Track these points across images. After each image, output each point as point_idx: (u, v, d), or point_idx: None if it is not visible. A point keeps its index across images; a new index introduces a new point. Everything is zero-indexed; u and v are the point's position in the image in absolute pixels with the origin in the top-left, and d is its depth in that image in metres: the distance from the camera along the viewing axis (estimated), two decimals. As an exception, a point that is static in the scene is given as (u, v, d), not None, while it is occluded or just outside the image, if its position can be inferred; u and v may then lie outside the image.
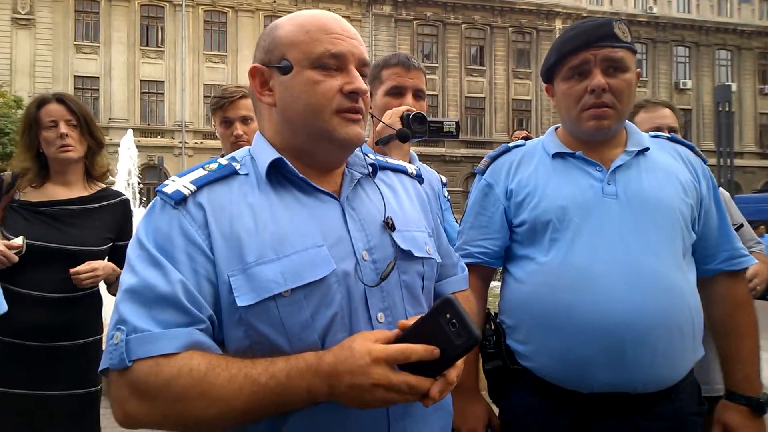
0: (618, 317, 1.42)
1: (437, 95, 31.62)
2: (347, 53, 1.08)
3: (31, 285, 2.21)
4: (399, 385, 0.90)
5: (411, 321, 0.96)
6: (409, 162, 1.91)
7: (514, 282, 1.64)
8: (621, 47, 1.55)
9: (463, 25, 32.37)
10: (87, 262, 2.25)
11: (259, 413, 0.93)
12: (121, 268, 1.05)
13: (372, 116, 1.94)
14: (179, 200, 1.03)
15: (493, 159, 1.77)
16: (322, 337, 1.02)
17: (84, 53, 28.33)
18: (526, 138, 4.56)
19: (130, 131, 12.56)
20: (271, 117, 1.14)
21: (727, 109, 15.03)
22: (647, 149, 1.62)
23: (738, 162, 23.50)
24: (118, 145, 13.57)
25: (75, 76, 28.17)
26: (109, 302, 1.76)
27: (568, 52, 1.58)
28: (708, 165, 1.71)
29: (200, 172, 1.09)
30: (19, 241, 2.17)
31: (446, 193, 2.19)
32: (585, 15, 32.54)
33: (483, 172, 1.77)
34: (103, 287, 2.41)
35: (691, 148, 1.71)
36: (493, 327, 1.67)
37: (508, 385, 1.62)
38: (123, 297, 0.98)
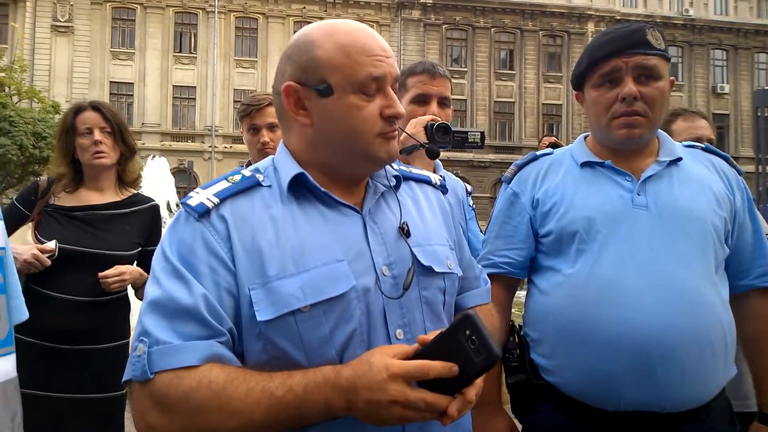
0: (646, 332, 1.38)
1: (466, 100, 31.48)
2: (387, 75, 1.07)
3: (62, 288, 2.25)
4: (416, 403, 0.89)
5: (430, 336, 0.95)
6: (434, 170, 1.90)
7: (538, 293, 1.61)
8: (654, 54, 1.51)
9: (492, 29, 32.16)
10: (115, 267, 2.29)
11: (276, 426, 0.93)
12: (149, 273, 1.07)
13: (402, 129, 1.93)
14: (203, 213, 1.04)
15: (520, 167, 1.74)
16: (341, 352, 1.01)
17: (120, 59, 28.97)
18: (554, 144, 4.50)
19: (162, 159, 12.50)
20: (302, 134, 1.12)
21: (766, 114, 14.66)
22: (680, 159, 1.58)
23: (777, 168, 22.85)
24: (150, 150, 13.75)
25: (111, 81, 28.79)
26: (136, 306, 1.78)
27: (600, 58, 1.54)
28: (746, 173, 1.65)
29: (224, 184, 1.09)
30: (51, 245, 2.21)
31: (471, 202, 2.16)
32: (618, 18, 32.10)
33: (509, 181, 1.74)
34: (131, 291, 2.45)
35: (726, 159, 1.66)
36: (516, 340, 1.64)
37: (532, 400, 1.59)
38: (147, 309, 0.99)
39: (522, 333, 1.65)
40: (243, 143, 2.62)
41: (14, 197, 2.47)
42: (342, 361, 0.99)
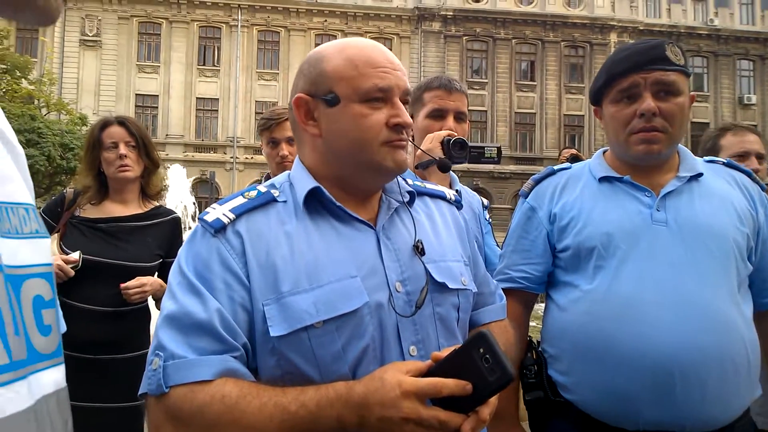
0: (665, 350, 1.36)
1: (486, 111, 31.40)
2: (393, 86, 1.09)
3: (84, 298, 2.29)
4: (429, 420, 0.89)
5: (444, 353, 0.95)
6: (450, 184, 1.91)
7: (556, 309, 1.59)
8: (673, 70, 1.50)
9: (513, 40, 32.10)
10: (136, 278, 2.33)
11: None
12: None
13: (413, 142, 1.94)
14: (219, 228, 1.05)
15: (538, 182, 1.73)
16: (354, 368, 1.01)
17: (145, 73, 29.50)
18: (575, 156, 4.46)
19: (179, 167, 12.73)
20: (314, 146, 1.14)
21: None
22: (701, 175, 1.56)
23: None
24: (174, 160, 13.96)
25: (136, 94, 29.33)
26: (157, 317, 1.81)
27: (618, 74, 1.54)
28: None
29: (240, 200, 1.10)
30: (75, 255, 2.26)
31: (488, 216, 2.16)
32: (642, 28, 31.86)
33: (526, 195, 1.73)
34: (151, 302, 2.48)
35: (748, 174, 1.63)
36: (534, 356, 1.63)
37: (550, 417, 1.57)
38: (163, 323, 1.01)
39: (540, 349, 1.64)
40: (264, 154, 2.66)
41: (41, 208, 2.53)
42: (355, 377, 0.99)
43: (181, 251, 1.09)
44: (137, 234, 2.45)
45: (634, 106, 1.51)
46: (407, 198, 1.19)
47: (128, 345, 2.37)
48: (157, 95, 29.40)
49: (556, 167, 1.75)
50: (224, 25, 30.15)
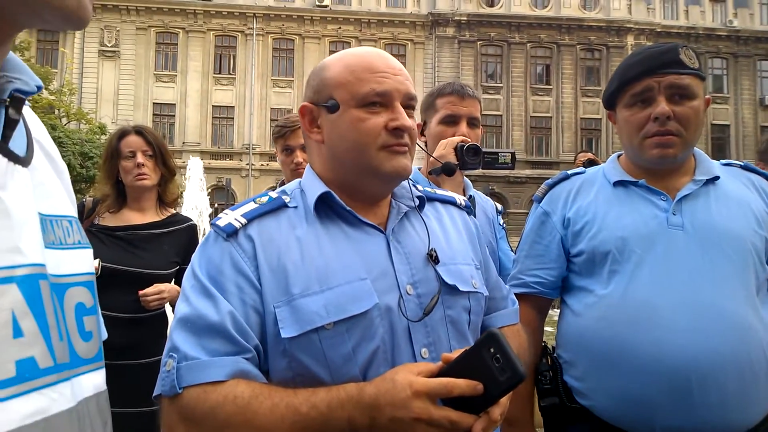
0: (682, 355, 1.35)
1: (501, 115, 31.29)
2: (392, 90, 1.10)
3: (103, 305, 2.30)
4: (440, 421, 0.89)
5: (455, 354, 0.95)
6: (463, 190, 1.91)
7: (571, 315, 1.58)
8: (687, 74, 1.49)
9: (528, 44, 31.98)
10: (155, 285, 2.36)
11: None
12: None
13: (425, 149, 1.94)
14: (231, 233, 1.07)
15: (551, 186, 1.73)
16: (364, 370, 1.02)
17: (163, 82, 29.83)
18: (591, 161, 4.43)
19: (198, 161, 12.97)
20: (320, 152, 1.17)
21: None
22: (717, 178, 1.55)
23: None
24: (190, 169, 14.12)
25: (154, 103, 29.65)
26: (172, 322, 1.85)
27: (631, 78, 1.53)
28: None
29: (251, 206, 1.12)
30: (95, 263, 2.29)
31: (501, 221, 2.16)
32: (659, 30, 31.57)
33: (540, 200, 1.73)
34: (169, 309, 2.51)
35: (766, 177, 1.62)
36: (549, 362, 1.62)
37: (566, 423, 1.56)
38: (176, 325, 1.03)
39: (555, 355, 1.63)
40: (279, 161, 2.68)
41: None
42: (366, 379, 1.00)
43: (194, 256, 1.11)
44: (154, 242, 2.48)
45: (648, 110, 1.50)
46: (417, 203, 1.19)
47: (146, 350, 2.39)
48: (175, 104, 29.69)
49: (570, 172, 1.74)
50: (239, 34, 30.40)
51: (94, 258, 2.30)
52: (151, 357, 2.40)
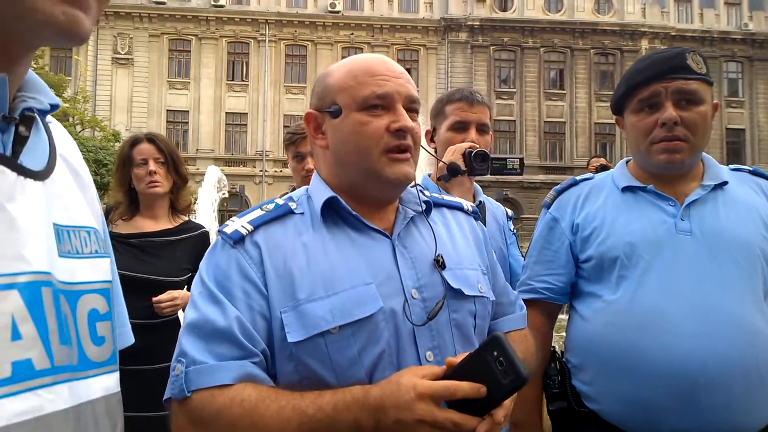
0: (689, 360, 1.35)
1: (515, 121, 31.20)
2: (393, 93, 1.11)
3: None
4: (443, 423, 0.90)
5: (459, 358, 0.96)
6: (473, 195, 1.92)
7: (579, 320, 1.59)
8: (695, 79, 1.50)
9: (541, 49, 31.87)
10: (168, 292, 2.39)
11: None
12: None
13: (435, 154, 1.95)
14: (237, 239, 1.09)
15: (560, 192, 1.74)
16: (370, 373, 1.03)
17: (176, 89, 30.08)
18: (604, 166, 4.43)
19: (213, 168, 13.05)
20: (325, 158, 1.19)
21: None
22: (725, 183, 1.55)
23: None
24: (204, 174, 14.17)
25: (167, 110, 29.88)
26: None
27: (638, 83, 1.54)
28: None
29: (258, 213, 1.14)
30: None
31: (512, 227, 2.16)
32: (673, 34, 31.36)
33: (549, 206, 1.74)
34: (182, 315, 2.53)
35: None
36: (557, 366, 1.62)
37: (574, 427, 1.56)
38: (185, 331, 1.05)
39: (563, 359, 1.64)
40: (292, 167, 2.69)
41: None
42: (371, 382, 1.01)
43: (202, 263, 1.13)
44: (167, 249, 2.51)
45: (656, 115, 1.51)
46: (423, 207, 1.20)
47: (158, 356, 2.41)
48: (188, 111, 29.91)
49: (578, 177, 1.75)
50: (252, 41, 30.61)
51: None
52: (164, 362, 2.42)
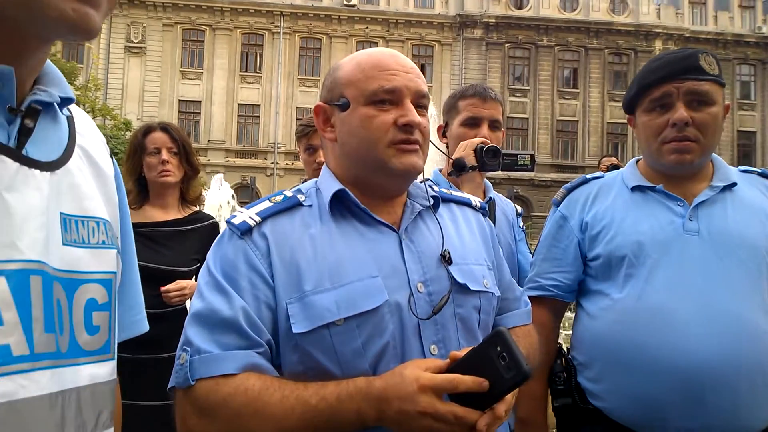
0: (695, 359, 1.36)
1: (528, 118, 31.09)
2: (401, 87, 1.11)
3: None
4: (445, 415, 0.91)
5: (463, 352, 0.97)
6: (484, 191, 1.92)
7: (586, 317, 1.60)
8: (707, 80, 1.50)
9: (556, 47, 31.71)
10: (176, 281, 2.40)
11: None
12: None
13: (445, 151, 1.95)
14: (245, 231, 1.10)
15: (570, 190, 1.74)
16: (374, 365, 1.04)
17: (189, 79, 30.15)
18: (615, 165, 4.42)
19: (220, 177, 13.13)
20: (333, 151, 1.20)
21: None
22: (734, 184, 1.55)
23: None
24: (215, 166, 14.19)
25: (180, 100, 29.95)
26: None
27: (650, 83, 1.54)
28: None
29: (266, 204, 1.15)
30: None
31: (521, 224, 2.16)
32: (687, 35, 31.12)
33: (558, 204, 1.74)
34: (189, 305, 2.55)
35: None
36: (563, 363, 1.63)
37: (579, 424, 1.57)
38: (190, 320, 1.06)
39: (569, 356, 1.64)
40: (304, 160, 2.70)
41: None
42: (375, 374, 1.02)
43: (210, 252, 1.14)
44: (176, 239, 2.51)
45: (667, 115, 1.51)
46: (431, 202, 1.21)
47: (166, 345, 2.43)
48: (200, 101, 29.97)
49: (588, 176, 1.75)
50: (266, 32, 30.63)
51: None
52: (172, 352, 2.44)
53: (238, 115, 30.23)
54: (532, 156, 1.96)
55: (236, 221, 1.12)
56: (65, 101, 0.77)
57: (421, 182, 1.22)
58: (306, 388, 0.97)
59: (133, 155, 2.54)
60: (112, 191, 0.87)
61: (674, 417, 1.38)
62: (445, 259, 1.13)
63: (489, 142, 1.86)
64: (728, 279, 1.42)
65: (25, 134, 0.70)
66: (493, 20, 31.07)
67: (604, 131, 31.42)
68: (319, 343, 1.03)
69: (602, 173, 1.75)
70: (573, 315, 1.72)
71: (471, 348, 0.96)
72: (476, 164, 1.81)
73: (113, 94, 28.95)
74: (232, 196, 11.52)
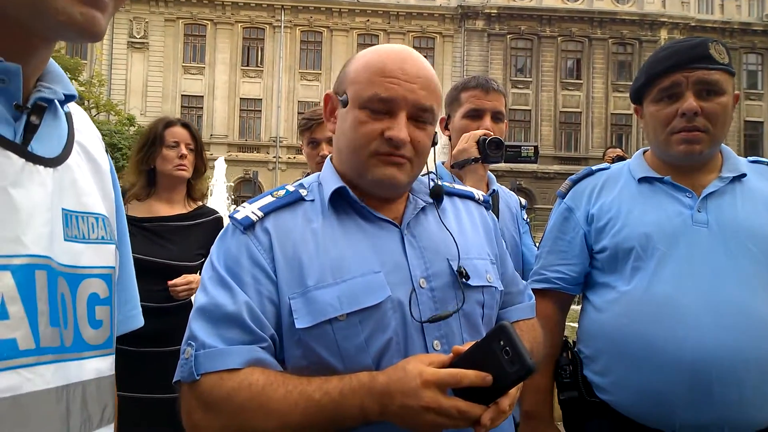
0: (703, 352, 1.34)
1: (530, 110, 31.00)
2: (398, 98, 1.08)
3: None
4: (449, 410, 0.91)
5: (466, 346, 0.96)
6: (487, 184, 1.90)
7: (593, 310, 1.58)
8: (717, 69, 1.47)
9: (559, 38, 31.57)
10: (183, 276, 2.41)
11: (313, 429, 0.97)
12: None
13: (449, 140, 1.94)
14: (248, 226, 1.09)
15: (575, 182, 1.72)
16: (377, 360, 1.04)
17: (191, 74, 30.18)
18: (620, 157, 4.40)
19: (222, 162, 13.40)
20: (335, 144, 1.20)
21: None
22: (744, 175, 1.53)
23: None
24: (216, 161, 14.32)
25: (182, 95, 30.03)
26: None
27: (659, 73, 1.52)
28: None
29: (268, 199, 1.15)
30: None
31: (525, 216, 2.15)
32: (693, 24, 30.93)
33: (564, 195, 1.72)
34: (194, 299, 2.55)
35: None
36: (569, 356, 1.62)
37: (586, 418, 1.56)
38: (195, 315, 1.06)
39: (575, 349, 1.63)
40: (306, 153, 2.71)
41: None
42: (378, 369, 1.01)
43: (213, 247, 1.13)
44: (181, 234, 2.53)
45: (676, 105, 1.49)
46: (431, 200, 1.20)
47: (171, 339, 2.43)
48: (202, 96, 30.03)
49: (594, 167, 1.73)
50: (267, 26, 30.59)
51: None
52: (178, 345, 2.44)
53: (240, 110, 30.27)
54: (536, 147, 1.94)
55: (239, 216, 1.11)
56: (68, 98, 0.78)
57: (424, 175, 1.21)
58: (309, 383, 0.97)
59: (149, 146, 2.55)
60: (109, 187, 0.87)
61: (681, 410, 1.36)
62: (462, 275, 1.11)
63: (492, 133, 1.84)
64: (737, 271, 1.40)
65: (30, 131, 0.71)
66: (495, 11, 30.95)
67: (608, 122, 31.30)
68: (322, 339, 1.03)
69: (608, 164, 1.73)
70: (579, 307, 1.71)
71: (474, 342, 0.96)
72: (479, 156, 1.80)
73: (117, 90, 29.01)
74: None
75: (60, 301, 0.71)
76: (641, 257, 1.48)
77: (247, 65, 30.55)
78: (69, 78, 0.80)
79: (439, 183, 1.22)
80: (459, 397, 0.92)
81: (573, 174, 1.78)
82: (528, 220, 2.17)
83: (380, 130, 1.08)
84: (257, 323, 1.03)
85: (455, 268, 1.12)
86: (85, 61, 26.79)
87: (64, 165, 0.76)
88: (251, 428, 0.97)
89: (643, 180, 1.58)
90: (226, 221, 1.16)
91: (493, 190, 1.94)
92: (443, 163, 2.03)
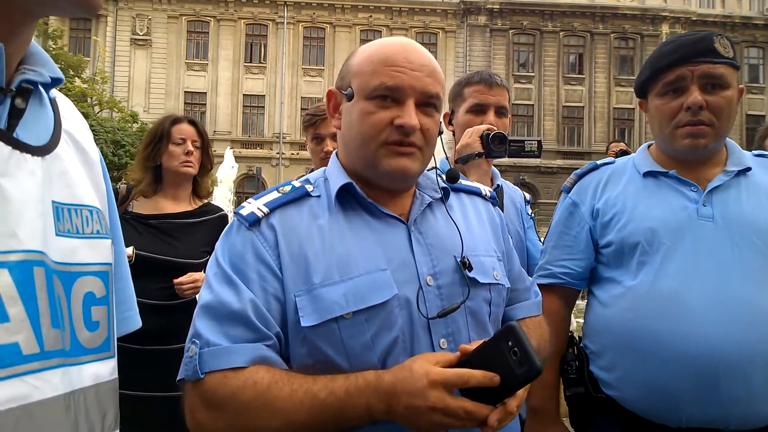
0: (709, 348, 1.33)
1: (533, 105, 30.90)
2: (405, 86, 1.07)
3: (136, 292, 2.37)
4: (456, 410, 0.90)
5: (473, 345, 0.96)
6: (491, 179, 1.90)
7: (598, 305, 1.57)
8: (721, 63, 1.46)
9: (561, 33, 31.44)
10: (189, 274, 2.41)
11: (318, 428, 0.96)
12: None
13: (452, 135, 1.93)
14: (253, 222, 1.08)
15: (580, 177, 1.72)
16: (383, 359, 1.03)
17: (194, 70, 30.13)
18: (624, 151, 4.38)
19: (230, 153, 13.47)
20: (339, 139, 1.19)
21: None
22: (749, 169, 1.52)
23: None
24: (221, 157, 14.35)
25: (185, 91, 29.96)
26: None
27: (663, 67, 1.51)
28: None
29: (274, 195, 1.14)
30: (129, 251, 2.33)
31: (530, 211, 2.14)
32: (695, 18, 30.79)
33: (569, 190, 1.72)
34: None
35: None
36: (575, 352, 1.61)
37: (592, 413, 1.56)
38: (199, 312, 1.05)
39: (581, 345, 1.62)
40: (310, 150, 2.71)
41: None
42: (384, 368, 1.01)
43: (218, 244, 1.12)
44: (187, 231, 2.53)
45: (681, 99, 1.48)
46: (441, 194, 1.19)
47: (176, 337, 2.44)
48: (205, 92, 29.97)
49: (599, 162, 1.72)
50: (270, 23, 30.51)
51: (128, 246, 2.36)
52: (181, 343, 2.45)
53: (243, 106, 30.20)
54: (539, 142, 1.93)
55: (244, 212, 1.10)
56: (54, 82, 0.71)
57: (429, 170, 1.20)
58: (315, 382, 0.96)
59: (156, 142, 2.56)
60: (100, 178, 0.81)
61: (688, 405, 1.36)
62: (466, 266, 1.11)
63: (495, 128, 1.84)
64: (743, 265, 1.39)
65: (15, 116, 0.65)
66: (497, 6, 30.82)
67: (611, 117, 31.18)
68: (327, 337, 1.02)
69: (612, 159, 1.73)
70: (585, 303, 1.70)
71: (482, 342, 0.95)
72: (483, 151, 1.79)
73: (120, 87, 28.98)
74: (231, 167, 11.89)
75: (57, 302, 0.66)
76: (647, 252, 1.47)
77: (250, 62, 30.47)
78: (72, 75, 0.76)
79: (454, 168, 1.21)
80: (466, 397, 0.91)
81: (576, 168, 1.77)
82: (532, 215, 2.16)
83: (389, 119, 1.07)
84: (262, 321, 1.02)
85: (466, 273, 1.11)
86: (88, 58, 26.80)
87: (52, 154, 0.70)
88: (256, 427, 0.96)
89: (648, 174, 1.58)
90: (228, 213, 1.14)
91: (498, 185, 1.93)
92: (447, 159, 2.02)
